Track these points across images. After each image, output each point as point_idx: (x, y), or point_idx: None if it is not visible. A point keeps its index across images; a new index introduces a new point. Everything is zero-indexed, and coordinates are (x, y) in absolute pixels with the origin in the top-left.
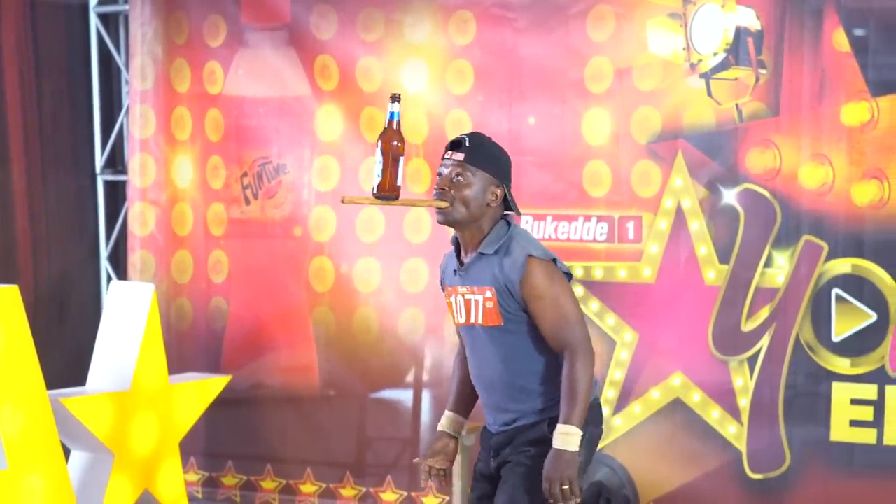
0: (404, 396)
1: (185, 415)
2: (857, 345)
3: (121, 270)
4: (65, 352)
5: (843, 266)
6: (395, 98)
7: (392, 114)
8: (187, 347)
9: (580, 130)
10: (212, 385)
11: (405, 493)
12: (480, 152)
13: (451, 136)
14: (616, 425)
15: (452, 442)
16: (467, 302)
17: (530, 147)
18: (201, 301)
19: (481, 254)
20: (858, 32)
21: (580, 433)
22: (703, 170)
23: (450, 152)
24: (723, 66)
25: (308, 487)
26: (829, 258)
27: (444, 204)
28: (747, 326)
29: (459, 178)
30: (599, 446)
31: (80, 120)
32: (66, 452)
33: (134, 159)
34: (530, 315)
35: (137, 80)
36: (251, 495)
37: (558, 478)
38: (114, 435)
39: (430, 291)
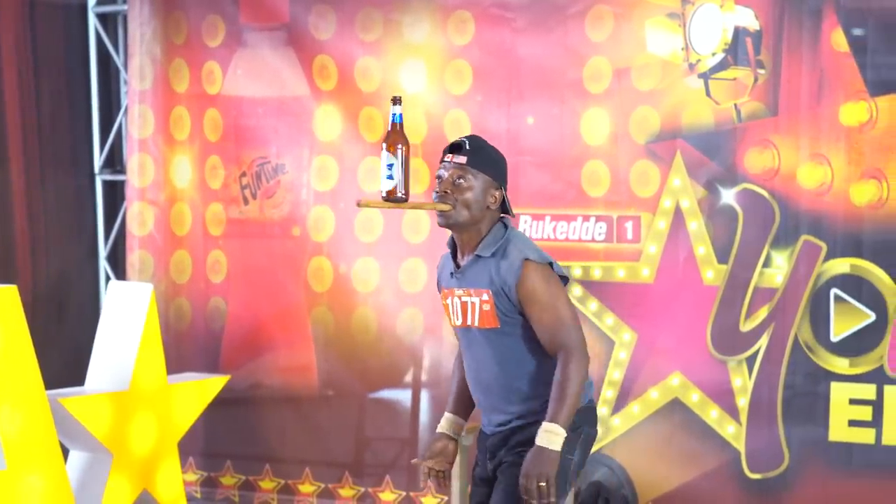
0: (403, 396)
1: (183, 415)
2: (856, 345)
3: (119, 270)
4: (63, 352)
5: (841, 266)
6: (397, 100)
7: (395, 116)
8: (186, 347)
9: (579, 130)
10: (210, 385)
11: (404, 493)
12: (481, 155)
13: (450, 137)
14: (615, 425)
15: (452, 443)
16: (464, 304)
17: (529, 147)
18: (200, 301)
19: (478, 256)
20: (857, 32)
21: (564, 434)
22: (701, 170)
23: (450, 155)
24: (721, 66)
25: (307, 487)
26: (827, 258)
27: (446, 207)
28: (746, 326)
29: (461, 180)
30: (598, 446)
31: (79, 120)
32: (65, 452)
33: (132, 159)
34: (526, 318)
35: (136, 80)
36: (250, 495)
37: (536, 474)
38: (112, 435)
39: (429, 291)
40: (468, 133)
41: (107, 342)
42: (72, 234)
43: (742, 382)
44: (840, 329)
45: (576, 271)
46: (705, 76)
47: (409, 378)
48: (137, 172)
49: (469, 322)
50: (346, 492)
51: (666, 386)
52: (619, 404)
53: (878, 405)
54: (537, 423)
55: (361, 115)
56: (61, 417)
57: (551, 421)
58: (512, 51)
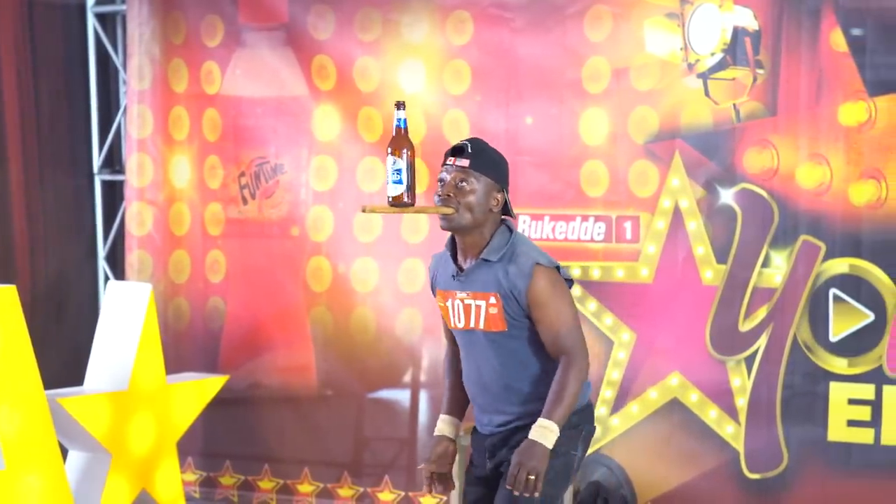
0: (402, 396)
1: (182, 415)
2: (855, 345)
3: (118, 270)
4: (62, 352)
5: (840, 266)
6: (401, 105)
7: (399, 121)
8: (185, 347)
9: (577, 130)
10: (209, 385)
11: (403, 493)
12: (483, 158)
13: (449, 137)
14: (614, 425)
15: (452, 445)
16: (467, 307)
17: (528, 147)
18: (199, 301)
19: (485, 260)
20: (856, 32)
21: (558, 433)
22: (700, 170)
23: (452, 158)
24: (720, 66)
25: (305, 487)
26: (826, 258)
27: (449, 210)
28: (745, 326)
29: (464, 183)
30: (597, 446)
31: (78, 120)
32: (64, 452)
33: (131, 159)
34: (532, 321)
35: (135, 80)
36: (248, 495)
37: (528, 466)
38: (111, 435)
39: (428, 292)
40: (467, 133)
41: (105, 342)
42: (70, 233)
43: (741, 382)
44: (839, 329)
45: (574, 271)
46: (704, 76)
47: (407, 378)
48: (136, 172)
49: (473, 325)
50: (344, 492)
51: (665, 386)
52: (618, 404)
53: (876, 405)
54: None
55: (360, 115)
56: (60, 417)
57: (547, 418)
58: (511, 51)
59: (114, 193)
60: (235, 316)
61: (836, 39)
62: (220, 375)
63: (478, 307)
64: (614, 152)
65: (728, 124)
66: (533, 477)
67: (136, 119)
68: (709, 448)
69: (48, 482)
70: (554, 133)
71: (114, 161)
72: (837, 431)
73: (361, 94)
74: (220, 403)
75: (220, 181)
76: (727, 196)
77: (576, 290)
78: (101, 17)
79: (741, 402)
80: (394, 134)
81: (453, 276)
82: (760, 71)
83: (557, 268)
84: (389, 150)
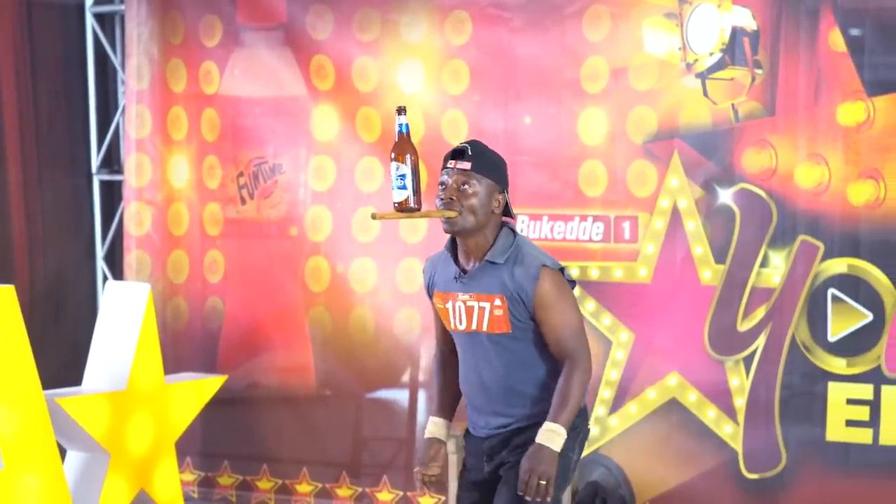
0: (400, 396)
1: (181, 415)
2: (853, 345)
3: (117, 270)
4: (61, 352)
5: (839, 266)
6: (402, 111)
7: (402, 126)
8: (183, 347)
9: (576, 130)
10: (208, 385)
11: (401, 493)
12: (483, 160)
13: (448, 137)
14: (612, 425)
15: (444, 447)
16: (469, 309)
17: (526, 147)
18: (197, 301)
19: (490, 262)
20: (854, 32)
21: (565, 435)
22: (699, 170)
23: (452, 161)
24: (719, 65)
25: (304, 487)
26: (825, 258)
27: (453, 213)
28: (743, 326)
29: (466, 186)
30: (595, 446)
31: (76, 120)
32: (63, 452)
33: (130, 159)
34: (537, 322)
35: (133, 80)
36: (247, 495)
37: (539, 472)
38: (110, 435)
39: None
40: (465, 133)
41: (104, 342)
42: (69, 234)
43: (739, 382)
44: (837, 329)
45: (573, 271)
46: (703, 76)
47: (406, 378)
48: (135, 172)
49: (475, 327)
50: (343, 492)
51: (663, 386)
52: (617, 404)
53: (875, 405)
54: (538, 425)
55: (359, 115)
56: (58, 417)
57: (553, 421)
58: (509, 51)
59: (112, 193)
60: (234, 316)
61: (835, 39)
62: (218, 375)
63: (481, 309)
64: (613, 152)
65: (726, 124)
66: (544, 482)
67: (134, 119)
68: (707, 448)
69: (46, 482)
70: (552, 133)
71: (112, 161)
72: (836, 431)
73: (360, 94)
74: (218, 403)
75: (219, 181)
76: (726, 196)
77: (574, 291)
78: (99, 17)
79: (740, 402)
80: (396, 139)
81: (455, 277)
82: (759, 71)
83: (561, 270)
84: (393, 155)
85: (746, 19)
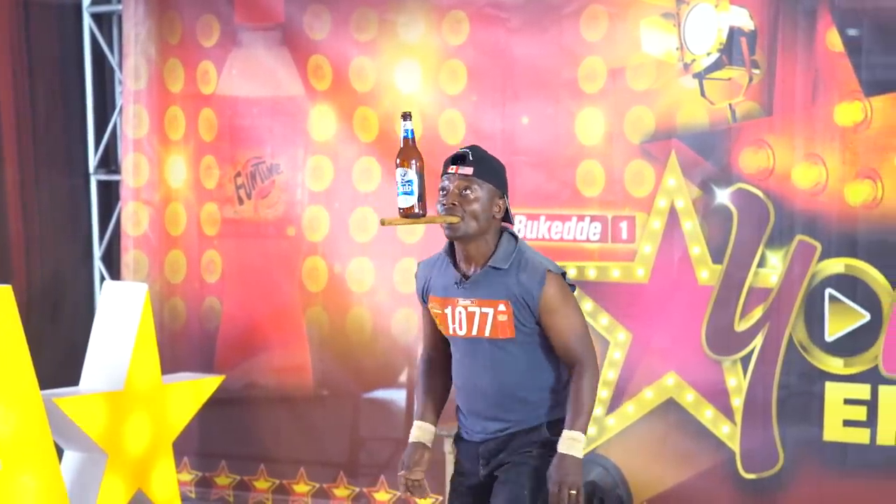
0: (397, 396)
1: (178, 415)
2: (851, 345)
3: (114, 270)
4: (58, 352)
5: (836, 266)
6: (407, 116)
7: (407, 131)
8: (180, 347)
9: (573, 130)
10: (205, 385)
11: (398, 493)
12: (484, 165)
13: (445, 137)
14: (609, 425)
15: (428, 452)
16: (470, 314)
17: (524, 147)
18: (194, 301)
19: (494, 268)
20: (852, 32)
21: (584, 441)
22: (696, 170)
23: (454, 167)
24: (716, 65)
25: (301, 487)
26: (822, 258)
27: (455, 219)
28: (741, 326)
29: (467, 191)
30: (593, 446)
31: (74, 120)
32: (60, 452)
33: (127, 159)
34: (542, 328)
35: (131, 80)
36: (244, 495)
37: (568, 483)
38: (107, 435)
39: None
40: (463, 133)
41: (101, 342)
42: (66, 234)
43: (737, 382)
44: (834, 329)
45: (570, 271)
46: (700, 76)
47: (403, 378)
48: (132, 172)
49: (476, 332)
50: (340, 492)
51: (661, 386)
52: (614, 404)
53: (872, 405)
54: (540, 426)
55: (356, 116)
56: (56, 417)
57: (571, 429)
58: (507, 51)
59: (110, 193)
60: (231, 316)
61: (832, 39)
62: (215, 375)
63: (483, 314)
64: (610, 152)
65: (724, 124)
66: (574, 492)
67: (131, 119)
68: (704, 448)
69: (44, 482)
70: (550, 133)
71: (110, 161)
72: (833, 431)
73: (357, 94)
74: (215, 403)
75: (216, 181)
76: (723, 196)
77: (574, 293)
78: (96, 17)
79: (737, 402)
80: (402, 145)
81: (456, 283)
82: (756, 71)
83: (563, 274)
84: (398, 161)
85: (744, 19)
